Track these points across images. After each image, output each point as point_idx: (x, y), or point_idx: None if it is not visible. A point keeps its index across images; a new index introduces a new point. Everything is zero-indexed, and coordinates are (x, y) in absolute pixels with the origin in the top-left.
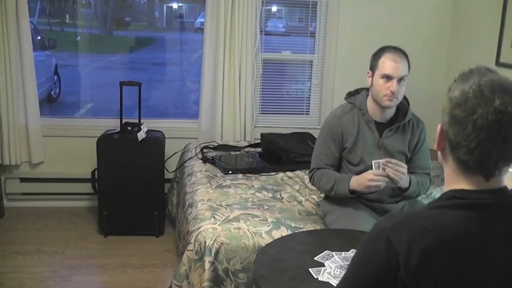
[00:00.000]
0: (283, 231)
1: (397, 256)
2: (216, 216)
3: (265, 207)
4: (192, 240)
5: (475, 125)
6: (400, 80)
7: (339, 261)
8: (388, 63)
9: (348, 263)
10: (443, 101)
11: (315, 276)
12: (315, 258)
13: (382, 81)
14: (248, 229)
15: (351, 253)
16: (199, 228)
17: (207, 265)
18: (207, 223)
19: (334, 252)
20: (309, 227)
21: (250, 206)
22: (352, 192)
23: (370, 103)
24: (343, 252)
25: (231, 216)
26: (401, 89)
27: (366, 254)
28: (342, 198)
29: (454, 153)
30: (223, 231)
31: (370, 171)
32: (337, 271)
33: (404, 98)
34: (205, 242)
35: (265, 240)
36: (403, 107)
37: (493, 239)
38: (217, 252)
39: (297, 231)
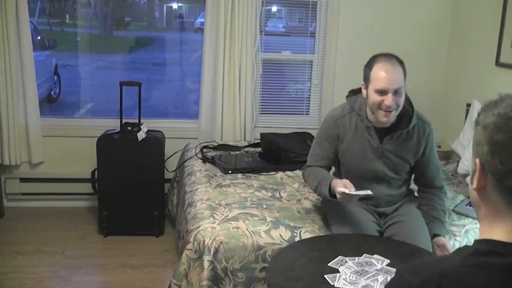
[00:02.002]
0: (282, 231)
1: None
2: (214, 215)
3: (264, 206)
4: (191, 240)
5: None
6: (396, 91)
7: (354, 266)
8: (380, 76)
9: (361, 268)
10: (474, 136)
11: (331, 283)
12: (328, 264)
13: (376, 96)
14: (247, 228)
15: (364, 258)
16: (198, 227)
17: (205, 264)
18: (206, 222)
19: (347, 258)
20: (308, 226)
21: (249, 205)
22: (334, 195)
23: (369, 109)
24: (357, 258)
25: (229, 216)
26: (398, 100)
27: None
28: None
29: (504, 183)
30: (222, 230)
31: (340, 186)
32: (352, 277)
33: (409, 102)
34: (204, 241)
35: (264, 239)
36: (406, 113)
37: None
38: (216, 251)
39: (295, 231)
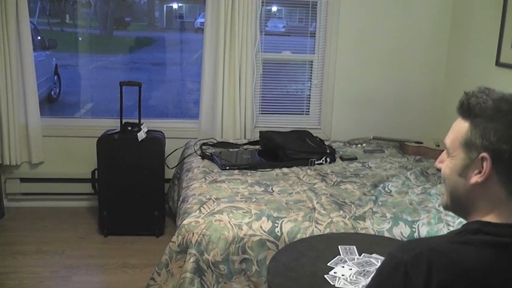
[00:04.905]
0: (264, 222)
1: None
2: (202, 209)
3: (253, 200)
4: (176, 233)
5: None
6: None
7: (353, 266)
8: None
9: (363, 269)
10: (476, 130)
11: (332, 283)
12: (328, 264)
13: None
14: (229, 221)
15: (363, 257)
16: (184, 221)
17: (188, 257)
18: (192, 216)
19: (346, 257)
20: (292, 216)
21: (239, 199)
22: None
23: None
24: (356, 257)
25: (216, 209)
26: None
27: (381, 287)
28: None
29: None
30: (205, 224)
31: None
32: (353, 277)
33: None
34: (187, 235)
35: (244, 231)
36: None
37: None
38: (198, 244)
39: (277, 222)
